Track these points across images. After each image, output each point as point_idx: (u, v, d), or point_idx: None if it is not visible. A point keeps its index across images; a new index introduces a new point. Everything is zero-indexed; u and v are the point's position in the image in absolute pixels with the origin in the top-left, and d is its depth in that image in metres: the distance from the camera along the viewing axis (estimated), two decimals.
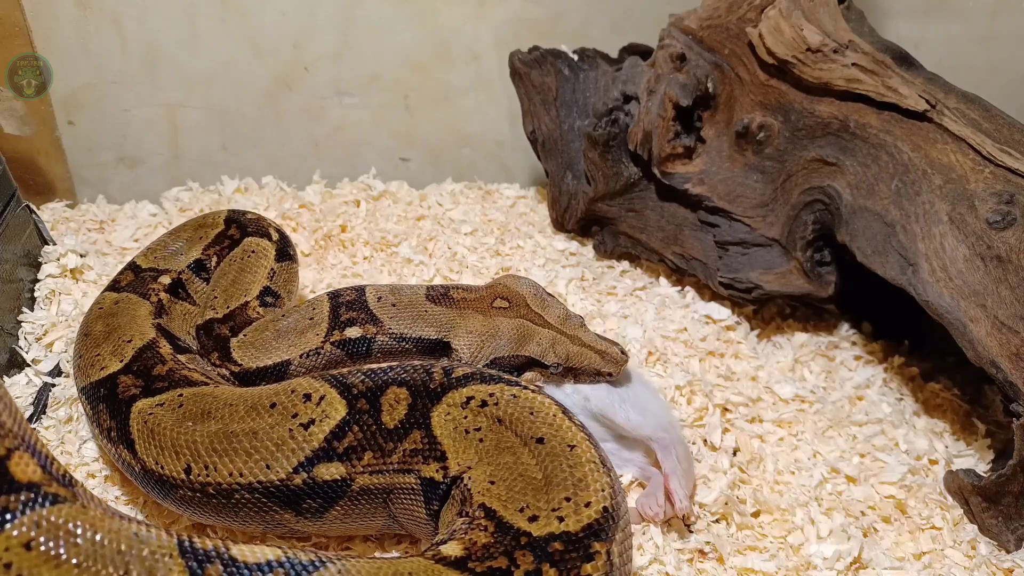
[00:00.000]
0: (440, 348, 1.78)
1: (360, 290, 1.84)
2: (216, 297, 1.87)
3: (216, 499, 1.44)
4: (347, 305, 1.80)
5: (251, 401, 1.48)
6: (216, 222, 2.05)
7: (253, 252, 1.96)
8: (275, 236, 2.02)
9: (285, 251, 2.01)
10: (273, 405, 1.46)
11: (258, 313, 1.85)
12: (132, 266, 1.96)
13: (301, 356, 1.74)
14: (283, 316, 1.82)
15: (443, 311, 1.79)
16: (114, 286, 1.91)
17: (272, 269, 1.94)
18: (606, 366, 1.75)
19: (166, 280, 1.92)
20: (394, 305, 1.80)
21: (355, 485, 1.42)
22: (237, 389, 1.55)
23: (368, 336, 1.77)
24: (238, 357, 1.75)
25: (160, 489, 1.50)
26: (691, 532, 1.66)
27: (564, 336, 1.77)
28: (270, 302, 1.90)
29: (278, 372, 1.73)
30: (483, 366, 1.73)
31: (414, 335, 1.77)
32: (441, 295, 1.83)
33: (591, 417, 1.74)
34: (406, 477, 1.42)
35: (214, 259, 1.98)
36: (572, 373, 1.77)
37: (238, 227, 2.03)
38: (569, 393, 1.76)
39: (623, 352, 1.78)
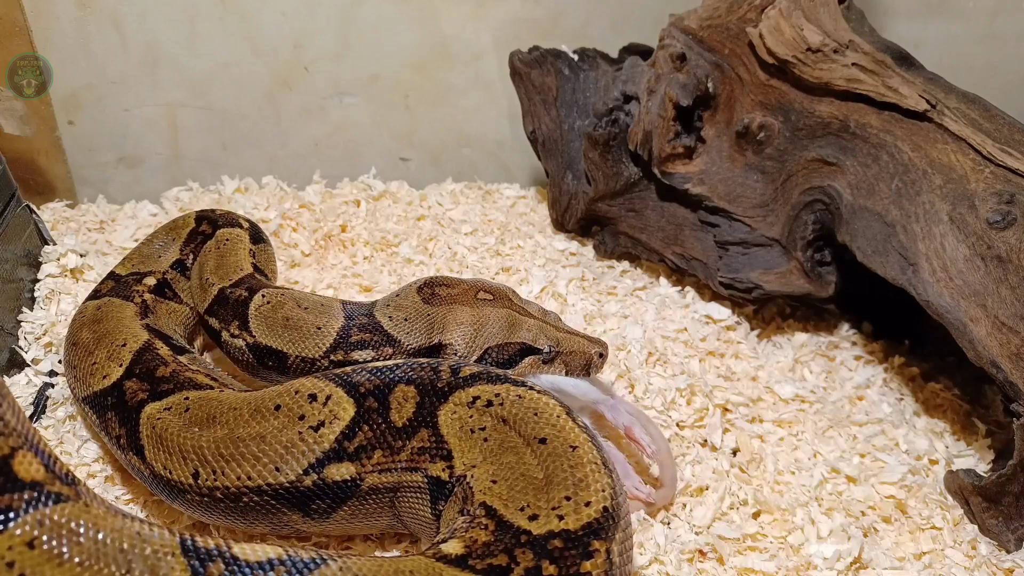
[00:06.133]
0: (432, 352, 1.75)
1: (369, 310, 1.77)
2: (208, 278, 1.87)
3: (224, 502, 1.44)
4: (360, 327, 1.72)
5: (255, 405, 1.48)
6: (187, 222, 2.08)
7: (228, 240, 1.98)
8: (246, 224, 2.06)
9: (258, 236, 2.05)
10: (278, 408, 1.46)
11: (265, 282, 1.85)
12: (111, 275, 1.96)
13: (297, 358, 1.72)
14: (302, 300, 1.78)
15: (435, 311, 1.77)
16: (94, 295, 1.90)
17: (251, 250, 1.96)
18: (593, 347, 1.76)
19: (151, 281, 1.92)
20: (406, 320, 1.75)
21: (364, 484, 1.43)
22: (241, 393, 1.55)
23: (383, 357, 1.70)
24: (254, 328, 1.74)
25: (169, 493, 1.51)
26: (683, 522, 1.67)
27: (548, 325, 1.78)
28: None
29: (280, 357, 1.72)
30: (476, 357, 1.73)
31: (427, 345, 1.73)
32: (431, 295, 1.80)
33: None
34: (413, 475, 1.42)
35: (191, 257, 2.01)
36: (562, 359, 1.76)
37: (209, 223, 2.06)
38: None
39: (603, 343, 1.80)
